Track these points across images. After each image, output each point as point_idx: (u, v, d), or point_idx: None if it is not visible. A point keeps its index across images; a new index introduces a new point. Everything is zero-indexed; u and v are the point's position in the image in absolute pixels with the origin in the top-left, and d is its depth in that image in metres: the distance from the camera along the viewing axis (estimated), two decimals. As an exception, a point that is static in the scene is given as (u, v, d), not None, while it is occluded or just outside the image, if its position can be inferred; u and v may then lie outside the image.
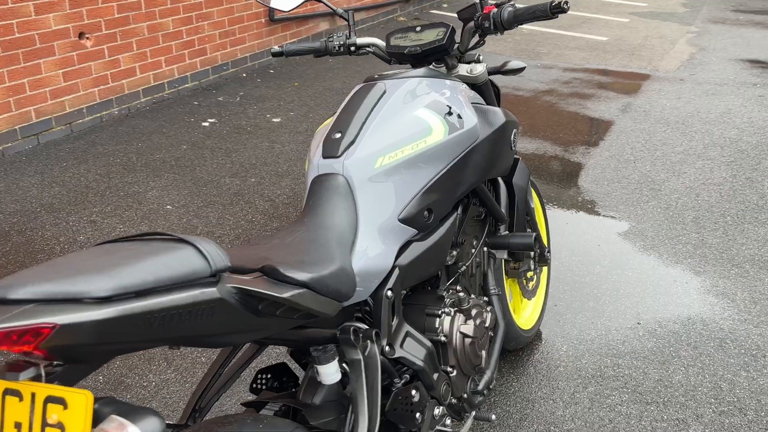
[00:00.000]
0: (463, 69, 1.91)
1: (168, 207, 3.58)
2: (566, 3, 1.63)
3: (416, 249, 1.55)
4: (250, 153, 4.31)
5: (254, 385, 1.56)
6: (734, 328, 2.52)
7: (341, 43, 1.98)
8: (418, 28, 1.89)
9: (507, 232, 1.99)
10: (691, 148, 4.21)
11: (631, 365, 2.34)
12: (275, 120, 4.91)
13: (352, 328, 1.34)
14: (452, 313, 1.63)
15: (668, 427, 2.07)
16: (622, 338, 2.48)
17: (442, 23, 1.88)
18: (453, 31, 1.83)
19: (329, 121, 1.70)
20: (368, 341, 1.38)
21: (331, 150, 1.52)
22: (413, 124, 1.55)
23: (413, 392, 1.47)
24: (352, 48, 1.98)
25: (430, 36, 1.84)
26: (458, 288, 1.74)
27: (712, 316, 2.59)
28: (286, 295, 1.12)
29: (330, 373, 1.28)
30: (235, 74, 5.98)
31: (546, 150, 4.27)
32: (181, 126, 4.77)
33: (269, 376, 1.57)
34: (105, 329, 0.90)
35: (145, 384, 2.29)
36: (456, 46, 1.85)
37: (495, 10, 1.75)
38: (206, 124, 4.83)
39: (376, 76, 1.71)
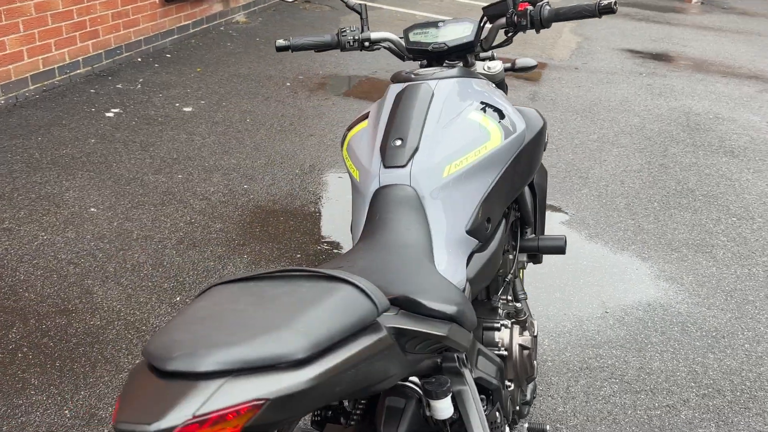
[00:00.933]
0: (479, 66, 1.84)
1: (92, 210, 3.23)
2: (615, 3, 1.60)
3: (479, 261, 1.47)
4: (168, 146, 3.98)
5: (315, 418, 1.42)
6: (691, 312, 2.66)
7: (355, 38, 1.85)
8: (440, 24, 1.80)
9: (533, 235, 1.96)
10: (604, 135, 4.41)
11: (611, 355, 2.41)
12: (186, 109, 4.57)
13: (456, 355, 1.24)
14: (510, 325, 1.57)
15: (662, 414, 2.15)
16: (596, 328, 2.54)
17: (466, 18, 1.80)
18: (480, 28, 1.76)
19: (364, 125, 1.57)
20: (464, 367, 1.29)
21: (394, 159, 1.40)
22: (472, 129, 1.47)
23: (497, 415, 1.40)
24: (366, 43, 1.86)
25: (456, 32, 1.76)
26: (509, 298, 1.69)
27: (669, 301, 2.72)
28: (443, 332, 1.01)
29: (445, 407, 1.18)
30: (130, 59, 5.51)
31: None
32: (82, 117, 4.32)
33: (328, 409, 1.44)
34: (312, 396, 0.76)
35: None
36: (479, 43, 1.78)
37: (530, 7, 1.68)
38: (110, 114, 4.40)
39: (412, 75, 1.61)
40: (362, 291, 0.91)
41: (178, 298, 2.65)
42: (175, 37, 6.08)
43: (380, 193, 1.39)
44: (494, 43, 1.82)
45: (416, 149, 1.42)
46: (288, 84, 5.21)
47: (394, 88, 1.60)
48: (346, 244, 3.03)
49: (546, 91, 5.25)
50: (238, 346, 0.76)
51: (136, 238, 3.03)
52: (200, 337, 0.78)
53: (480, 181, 1.47)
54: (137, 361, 0.76)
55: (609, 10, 1.60)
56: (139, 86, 4.95)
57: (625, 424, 2.10)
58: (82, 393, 2.15)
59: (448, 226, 1.39)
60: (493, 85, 1.72)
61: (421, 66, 1.92)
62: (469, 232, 1.43)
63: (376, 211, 1.38)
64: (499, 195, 1.54)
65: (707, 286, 2.83)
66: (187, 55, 5.79)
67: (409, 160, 1.40)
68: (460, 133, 1.46)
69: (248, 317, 0.83)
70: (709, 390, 2.25)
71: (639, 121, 4.65)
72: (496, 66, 1.83)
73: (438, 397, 1.18)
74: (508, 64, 1.93)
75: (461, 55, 1.79)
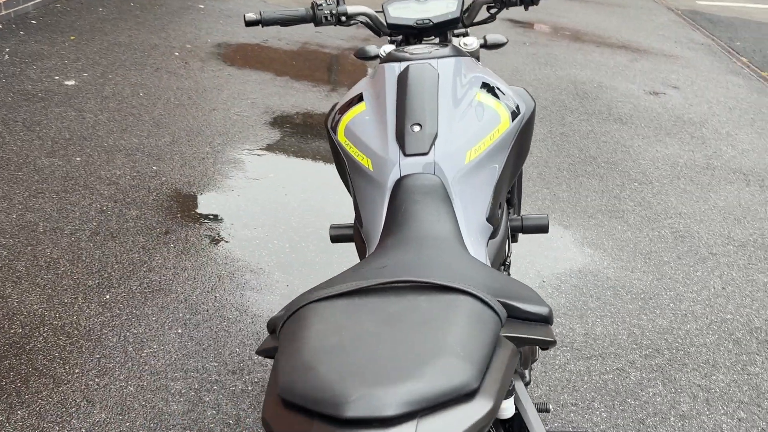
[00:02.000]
0: (455, 42, 1.77)
1: (-17, 201, 2.84)
2: None
3: (492, 248, 1.44)
4: (57, 125, 3.58)
5: None
6: (618, 276, 2.80)
7: (332, 12, 1.71)
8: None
9: (515, 215, 1.94)
10: (504, 105, 4.51)
11: (557, 323, 2.48)
12: (68, 83, 4.12)
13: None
14: None
15: (614, 377, 2.25)
16: (538, 298, 2.61)
17: None
18: (463, 3, 1.69)
19: (362, 108, 1.47)
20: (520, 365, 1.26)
21: (415, 146, 1.33)
22: (485, 112, 1.43)
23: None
24: (343, 18, 1.73)
25: (440, 7, 1.68)
26: None
27: (596, 267, 2.84)
28: (551, 336, 0.96)
29: (509, 407, 1.14)
30: (-11, 25, 4.88)
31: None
32: (-54, 93, 3.77)
33: None
34: (488, 423, 0.70)
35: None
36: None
37: None
38: (-20, 89, 3.88)
39: (407, 54, 1.51)
40: (484, 302, 0.85)
41: (107, 296, 2.40)
42: (38, 0, 5.45)
43: (403, 183, 1.31)
44: (476, 20, 1.76)
45: (436, 135, 1.35)
46: (176, 54, 4.85)
47: (391, 69, 1.50)
48: (278, 227, 2.89)
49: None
50: (414, 381, 0.67)
51: (43, 231, 2.70)
52: (359, 372, 0.68)
53: (493, 166, 1.43)
54: (264, 401, 0.64)
55: None
56: (6, 57, 4.40)
57: (584, 390, 2.18)
58: (20, 413, 1.90)
59: (473, 215, 1.35)
60: (481, 64, 1.67)
61: (394, 42, 1.83)
62: (488, 219, 1.40)
63: (400, 202, 1.30)
64: (506, 178, 1.51)
65: (626, 250, 2.98)
66: (55, 21, 5.21)
67: (431, 146, 1.33)
68: (474, 116, 1.41)
69: (392, 342, 0.75)
70: (650, 350, 2.39)
71: (533, 91, 4.79)
72: (473, 43, 1.78)
73: (506, 397, 1.14)
74: (482, 41, 1.88)
75: (442, 32, 1.73)
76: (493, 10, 1.73)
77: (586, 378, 2.23)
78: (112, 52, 4.71)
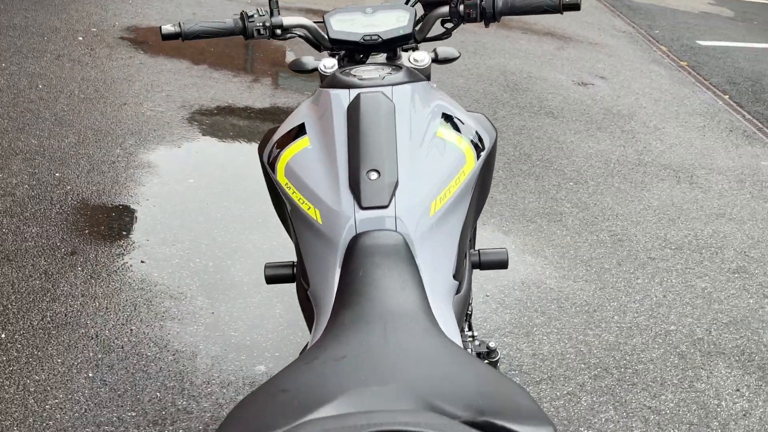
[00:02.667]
0: (404, 58, 1.57)
1: None
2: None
3: (457, 305, 1.25)
4: (-59, 124, 3.14)
5: None
6: (561, 287, 2.69)
7: (265, 24, 1.47)
8: (369, 10, 1.49)
9: (471, 249, 1.76)
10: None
11: (504, 343, 2.35)
12: (-46, 73, 3.65)
13: None
14: None
15: (566, 403, 2.14)
16: (482, 315, 2.47)
17: (398, 5, 1.50)
18: (415, 16, 1.49)
19: (305, 144, 1.25)
20: None
21: (373, 197, 1.13)
22: (448, 151, 1.24)
23: None
24: (278, 31, 1.50)
25: (390, 21, 1.47)
26: (474, 334, 1.50)
27: (538, 277, 2.73)
28: None
29: None
30: None
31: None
32: None
33: None
34: None
35: None
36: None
37: None
38: None
39: (355, 80, 1.30)
40: None
41: (2, 335, 2.08)
42: None
43: (359, 241, 1.11)
44: (428, 35, 1.56)
45: (396, 183, 1.15)
46: (80, 38, 4.41)
47: (338, 98, 1.28)
48: (200, 242, 2.61)
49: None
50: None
51: None
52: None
53: (459, 213, 1.25)
54: None
55: (574, 6, 1.43)
56: None
57: (536, 420, 2.06)
58: None
59: (439, 275, 1.16)
60: (436, 86, 1.48)
61: (334, 55, 1.60)
62: (455, 276, 1.22)
63: (356, 265, 1.09)
64: (470, 223, 1.33)
65: (567, 257, 2.89)
66: (-61, -2, 4.65)
67: (391, 198, 1.13)
68: (437, 157, 1.22)
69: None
70: (599, 370, 2.29)
71: (464, 82, 4.64)
72: (424, 59, 1.57)
73: None
74: (432, 54, 1.68)
75: (391, 48, 1.52)
76: (449, 25, 1.53)
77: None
78: (4, 36, 4.22)
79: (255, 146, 3.41)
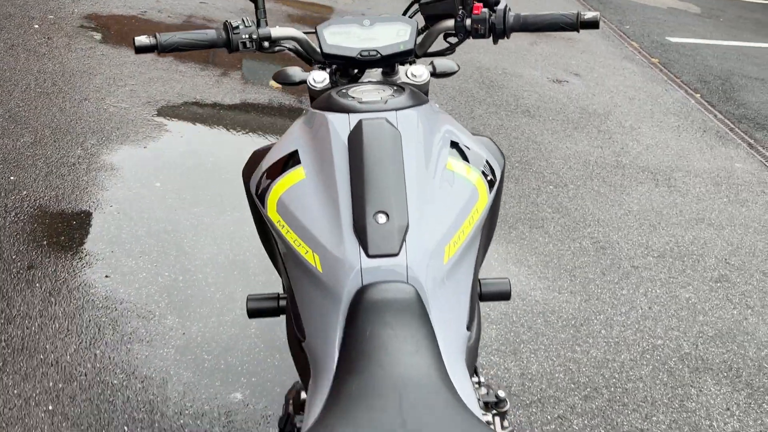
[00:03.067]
0: (402, 72, 1.43)
1: None
2: (599, 17, 1.30)
3: (469, 356, 1.13)
4: None
5: None
6: (546, 299, 2.59)
7: (251, 36, 1.31)
8: (366, 22, 1.34)
9: None
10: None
11: (492, 363, 2.24)
12: None
13: None
14: (493, 421, 1.27)
15: (557, 427, 2.04)
16: (468, 332, 2.36)
17: (397, 16, 1.36)
18: (417, 29, 1.35)
19: (301, 177, 1.11)
20: None
21: (381, 244, 0.99)
22: (459, 186, 1.11)
23: None
24: (265, 43, 1.34)
25: (389, 36, 1.33)
26: (481, 380, 1.37)
27: (523, 288, 2.63)
28: None
29: None
30: None
31: (276, 100, 3.79)
32: None
33: None
34: None
35: None
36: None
37: (487, 11, 1.31)
38: None
39: (356, 103, 1.16)
40: None
41: (-49, 365, 1.89)
42: None
43: (365, 294, 0.97)
44: (430, 50, 1.42)
45: (407, 228, 1.01)
46: (36, 26, 4.13)
47: (336, 123, 1.14)
48: (168, 253, 2.44)
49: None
50: None
51: None
52: None
53: (471, 255, 1.12)
54: None
55: (592, 24, 1.30)
56: None
57: (528, 448, 1.96)
58: None
59: (453, 328, 1.04)
60: (438, 107, 1.34)
61: (324, 68, 1.45)
62: (468, 327, 1.09)
63: (363, 322, 0.96)
64: (480, 262, 1.21)
65: (551, 266, 2.79)
66: None
67: (401, 244, 1.00)
68: (449, 194, 1.08)
69: None
70: (588, 390, 2.20)
71: (439, 79, 4.50)
72: (423, 74, 1.44)
73: None
74: (430, 68, 1.54)
75: (389, 63, 1.38)
76: (452, 40, 1.39)
77: (527, 430, 2.01)
78: (-46, 24, 3.93)
79: (225, 146, 3.23)
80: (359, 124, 1.11)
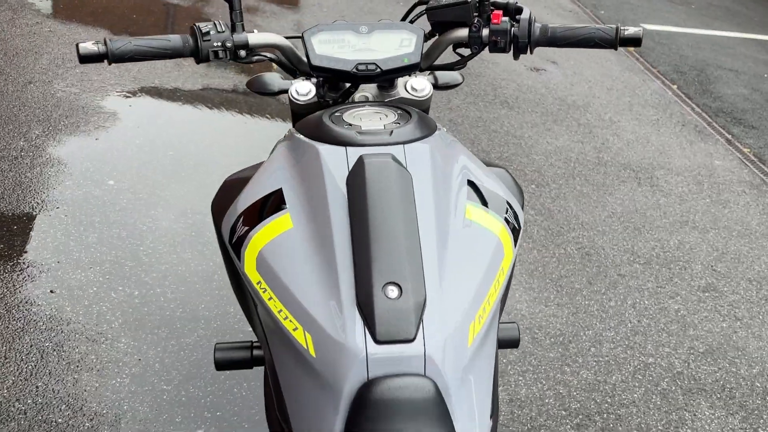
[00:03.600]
0: (400, 86, 1.23)
1: None
2: (642, 34, 1.11)
3: None
4: None
5: None
6: (533, 313, 2.43)
7: (225, 43, 1.09)
8: (363, 29, 1.12)
9: None
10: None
11: (478, 388, 2.07)
12: None
13: None
14: None
15: (549, 462, 1.89)
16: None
17: (403, 25, 1.15)
18: (423, 39, 1.14)
19: (288, 226, 0.90)
20: None
21: (394, 327, 0.80)
22: (483, 242, 0.92)
23: None
24: (242, 52, 1.12)
25: (391, 46, 1.12)
26: None
27: (509, 301, 2.46)
28: None
29: None
30: None
31: (243, 86, 3.52)
32: None
33: None
34: None
35: None
36: None
37: (506, 20, 1.10)
38: None
39: (355, 134, 0.95)
40: None
41: None
42: None
43: (373, 391, 0.78)
44: (435, 62, 1.21)
45: (424, 304, 0.81)
46: (-24, -2, 3.76)
47: (331, 157, 0.93)
48: (123, 264, 2.18)
49: (310, 21, 4.58)
50: None
51: None
52: None
53: (495, 326, 0.93)
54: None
55: (634, 41, 1.11)
56: None
57: (520, 488, 1.80)
58: None
59: (476, 426, 0.85)
60: (444, 130, 1.13)
61: (309, 78, 1.23)
62: (491, 414, 0.90)
63: (368, 424, 0.76)
64: (497, 323, 1.01)
65: (537, 276, 2.62)
66: None
67: (418, 326, 0.80)
68: (471, 253, 0.89)
69: None
70: (580, 417, 2.05)
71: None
72: (425, 88, 1.23)
73: None
74: (432, 79, 1.33)
75: (389, 78, 1.17)
76: (463, 51, 1.18)
77: (518, 468, 1.86)
78: None
79: (187, 138, 2.96)
80: (360, 161, 0.90)
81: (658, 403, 2.16)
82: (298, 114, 1.27)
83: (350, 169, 0.91)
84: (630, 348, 2.36)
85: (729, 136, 4.29)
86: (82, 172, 2.59)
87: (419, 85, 1.24)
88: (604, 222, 3.06)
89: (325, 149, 0.94)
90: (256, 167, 1.13)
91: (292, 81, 1.22)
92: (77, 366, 1.83)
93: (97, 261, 2.19)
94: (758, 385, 2.31)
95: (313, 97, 1.22)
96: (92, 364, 1.85)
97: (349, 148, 0.93)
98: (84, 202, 2.43)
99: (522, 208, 1.12)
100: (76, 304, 2.02)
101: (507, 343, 1.28)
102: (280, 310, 0.85)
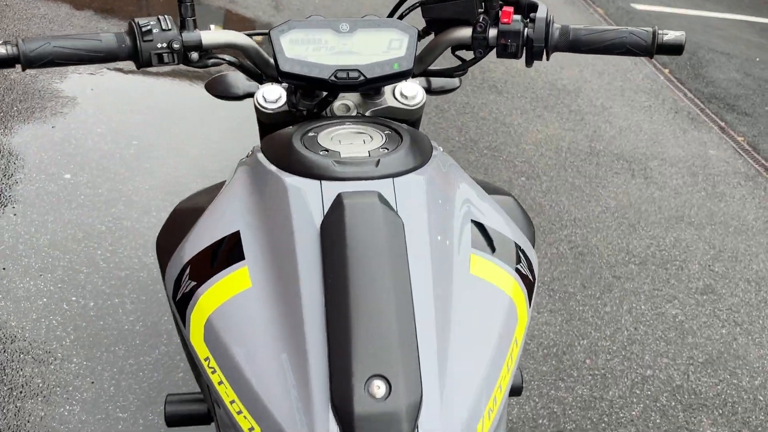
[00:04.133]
0: (388, 92, 1.03)
1: None
2: (684, 40, 0.92)
3: None
4: None
5: None
6: (523, 320, 2.26)
7: (171, 44, 0.88)
8: (344, 27, 0.91)
9: None
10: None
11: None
12: None
13: None
14: None
15: (544, 494, 1.73)
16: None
17: (392, 22, 0.94)
18: (416, 39, 0.94)
19: (246, 285, 0.71)
20: None
21: None
22: (492, 306, 0.75)
23: None
24: (193, 54, 0.91)
25: (376, 47, 0.92)
26: None
27: (498, 307, 2.29)
28: None
29: None
30: None
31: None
32: None
33: None
34: None
35: None
36: None
37: (518, 19, 0.90)
38: None
39: (330, 162, 0.76)
40: None
41: None
42: None
43: None
44: (431, 66, 1.01)
45: (420, 404, 0.62)
46: (-75, -33, 3.45)
47: (301, 194, 0.74)
48: (77, 271, 1.97)
49: (289, 1, 4.32)
50: None
51: None
52: None
53: (505, 414, 0.75)
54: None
55: (673, 48, 0.92)
56: None
57: None
58: None
59: None
60: (440, 150, 0.94)
61: (281, 84, 1.03)
62: None
63: None
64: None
65: (528, 278, 2.45)
66: None
67: None
68: (478, 325, 0.71)
69: None
70: (576, 440, 1.90)
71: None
72: (417, 94, 1.04)
73: None
74: (424, 83, 1.13)
75: (375, 86, 0.97)
76: (464, 54, 0.98)
77: (511, 500, 1.70)
78: None
79: (152, 126, 2.73)
80: (338, 202, 0.71)
81: (658, 421, 2.01)
82: (266, 125, 1.06)
83: (325, 211, 0.71)
84: (627, 359, 2.20)
85: (722, 124, 4.13)
86: (36, 165, 2.35)
87: (411, 91, 1.04)
88: (597, 218, 2.89)
89: (294, 183, 0.74)
90: (216, 189, 0.93)
91: (262, 87, 1.02)
92: (21, 392, 1.63)
93: (48, 267, 1.97)
94: (761, 398, 2.17)
95: (284, 104, 1.02)
96: (38, 390, 1.64)
97: (324, 183, 0.74)
98: (36, 199, 2.20)
99: (533, 245, 0.94)
100: (23, 318, 1.81)
101: (512, 390, 1.10)
102: (233, 401, 0.66)
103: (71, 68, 2.95)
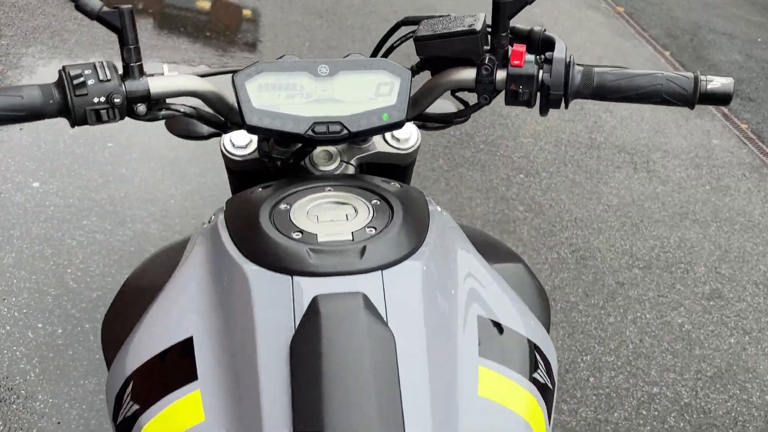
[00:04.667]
0: (378, 137, 0.88)
1: None
2: (733, 88, 0.76)
3: None
4: None
5: None
6: (523, 335, 2.13)
7: (109, 95, 0.71)
8: (324, 69, 0.74)
9: None
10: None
11: None
12: None
13: None
14: None
15: None
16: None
17: (381, 62, 0.77)
18: (410, 82, 0.77)
19: (197, 415, 0.56)
20: None
21: None
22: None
23: None
24: (140, 106, 0.74)
25: (361, 94, 0.75)
26: None
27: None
28: None
29: None
30: None
31: (197, 57, 3.08)
32: None
33: None
34: None
35: None
36: None
37: (531, 60, 0.74)
38: None
39: (303, 254, 0.61)
40: None
41: None
42: None
43: None
44: (429, 109, 0.85)
45: None
46: None
47: (267, 295, 0.58)
48: (45, 292, 1.81)
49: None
50: None
51: None
52: None
53: None
54: None
55: (720, 98, 0.77)
56: None
57: None
58: None
59: None
60: (438, 210, 0.78)
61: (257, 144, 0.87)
62: None
63: None
64: None
65: (527, 287, 2.31)
66: None
67: None
68: None
69: None
70: (581, 470, 1.78)
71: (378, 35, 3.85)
72: (411, 136, 0.89)
73: None
74: (418, 122, 0.97)
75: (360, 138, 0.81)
76: (465, 96, 0.83)
77: None
78: None
79: (128, 128, 2.55)
80: (313, 307, 0.55)
81: (666, 445, 1.89)
82: (235, 172, 0.91)
83: (297, 319, 0.56)
84: (633, 375, 2.07)
85: (726, 111, 3.97)
86: (1, 173, 2.18)
87: (404, 133, 0.88)
88: (599, 217, 2.75)
89: (260, 278, 0.59)
90: (174, 256, 0.76)
91: (228, 134, 0.86)
92: (-20, 436, 1.49)
93: (12, 290, 1.81)
94: (773, 415, 2.06)
95: (254, 151, 0.86)
96: (-1, 433, 1.50)
97: (297, 279, 0.58)
98: (1, 211, 2.04)
99: (548, 323, 0.79)
100: (-16, 349, 1.66)
101: None
102: None
103: (41, 63, 2.76)
